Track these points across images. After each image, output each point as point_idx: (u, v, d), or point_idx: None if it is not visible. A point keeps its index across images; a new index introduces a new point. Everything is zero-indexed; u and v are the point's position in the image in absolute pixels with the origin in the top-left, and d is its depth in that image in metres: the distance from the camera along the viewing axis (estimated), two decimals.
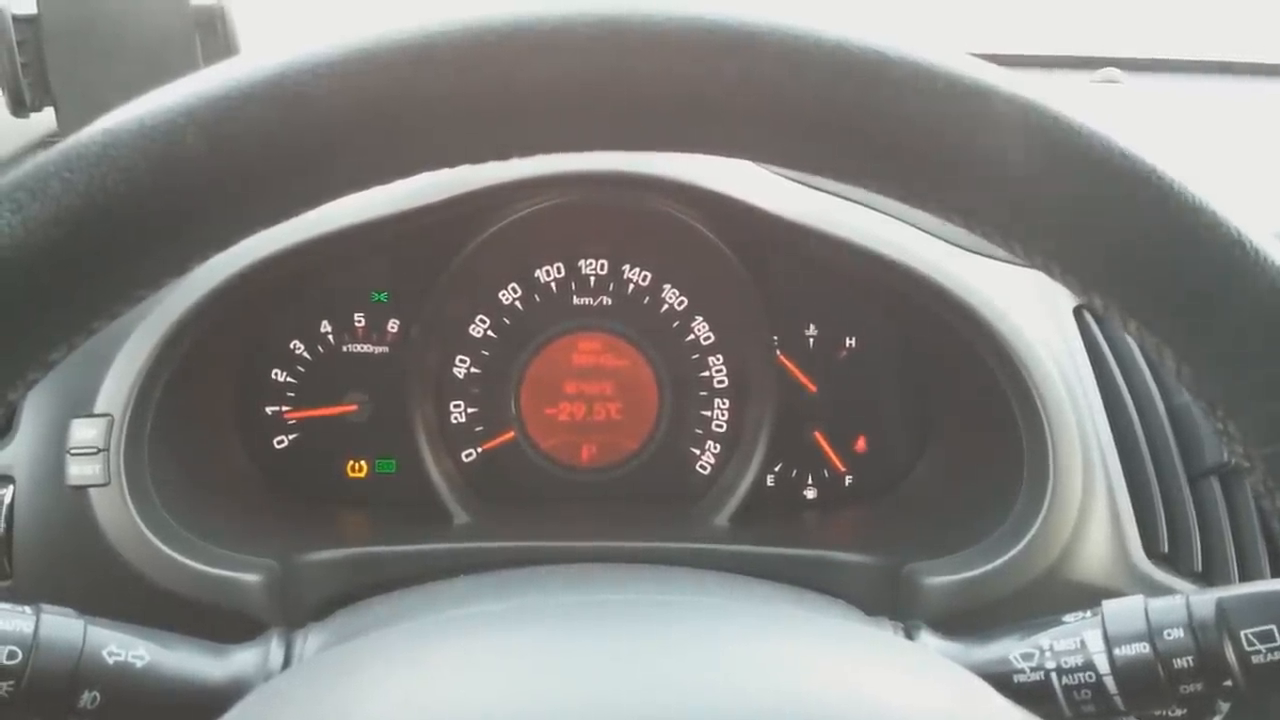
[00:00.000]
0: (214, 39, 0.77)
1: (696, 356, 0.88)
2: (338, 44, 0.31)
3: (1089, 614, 0.54)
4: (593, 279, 0.87)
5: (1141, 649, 0.51)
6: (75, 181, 0.30)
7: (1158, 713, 0.54)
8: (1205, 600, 0.52)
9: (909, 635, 0.60)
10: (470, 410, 0.88)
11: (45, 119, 0.80)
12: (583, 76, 0.31)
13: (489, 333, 0.87)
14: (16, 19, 0.76)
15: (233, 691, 0.52)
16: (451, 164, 0.33)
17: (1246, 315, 0.33)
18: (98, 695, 0.50)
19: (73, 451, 0.72)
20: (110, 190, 0.30)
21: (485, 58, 0.31)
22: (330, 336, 0.87)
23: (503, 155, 0.34)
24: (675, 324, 0.88)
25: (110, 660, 0.50)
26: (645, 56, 0.31)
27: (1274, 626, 0.49)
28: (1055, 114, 0.33)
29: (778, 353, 0.88)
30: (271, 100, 0.31)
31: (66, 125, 0.78)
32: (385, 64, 0.31)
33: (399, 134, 0.32)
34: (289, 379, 0.87)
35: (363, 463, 0.89)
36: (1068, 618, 0.54)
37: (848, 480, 0.90)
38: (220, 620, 0.69)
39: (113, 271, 0.31)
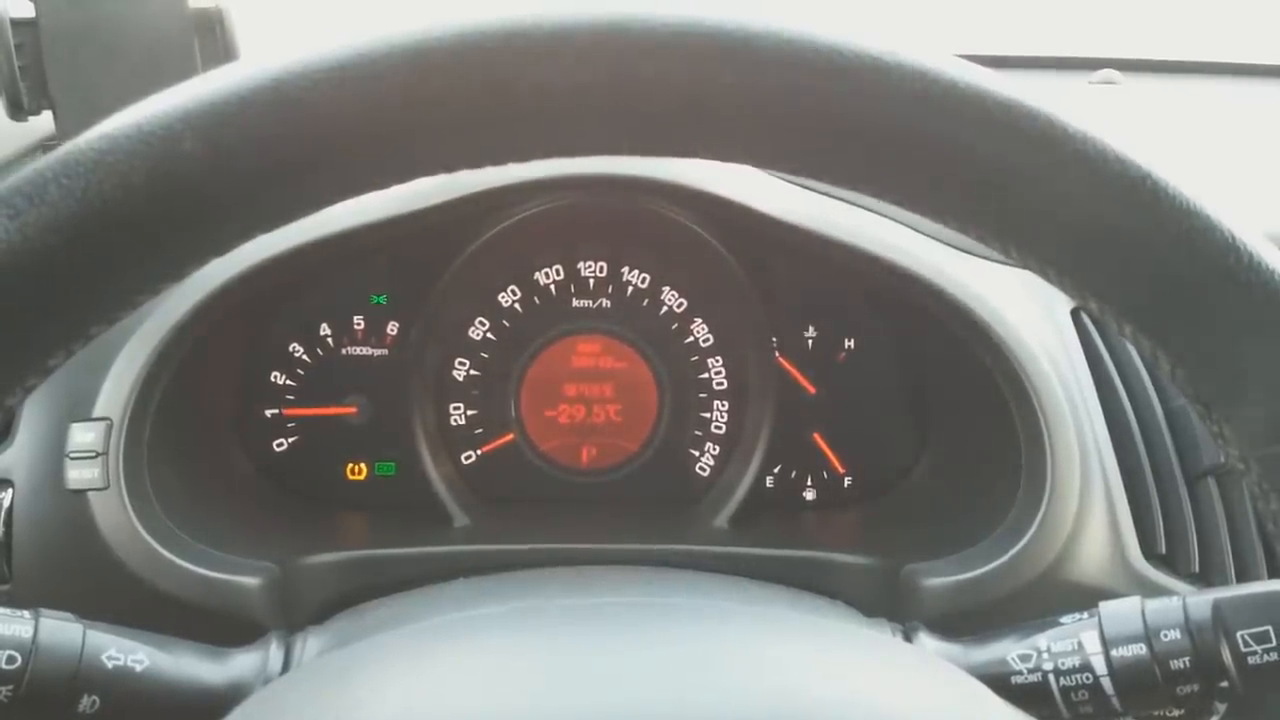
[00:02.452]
0: (213, 42, 0.77)
1: (695, 358, 0.89)
2: (336, 49, 0.31)
3: (1086, 615, 0.54)
4: (592, 281, 0.88)
5: (1138, 650, 0.51)
6: (73, 187, 0.30)
7: (1155, 713, 0.54)
8: (1202, 601, 0.52)
9: (907, 637, 0.60)
10: (470, 412, 0.88)
11: (43, 123, 0.80)
12: (581, 81, 0.31)
13: (488, 335, 0.87)
14: (14, 22, 0.76)
15: (232, 695, 0.52)
16: (449, 169, 0.33)
17: (1240, 318, 0.34)
18: (97, 699, 0.50)
19: (72, 455, 0.72)
20: (108, 196, 0.30)
21: (483, 62, 0.31)
22: (329, 339, 0.87)
23: (500, 160, 0.34)
24: (674, 326, 0.88)
25: (110, 664, 0.50)
26: (644, 61, 0.31)
27: (1270, 627, 0.49)
28: (1049, 117, 0.33)
29: (777, 354, 0.88)
30: (269, 105, 0.31)
31: (65, 129, 0.78)
32: (383, 69, 0.31)
33: (397, 139, 0.32)
34: (288, 381, 0.87)
35: (362, 465, 0.89)
36: (1065, 619, 0.54)
37: (846, 482, 0.90)
38: (219, 624, 0.69)
39: (110, 277, 0.31)
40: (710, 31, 0.31)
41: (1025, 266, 0.36)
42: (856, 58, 0.32)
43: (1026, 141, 0.33)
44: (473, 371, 0.88)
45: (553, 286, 0.87)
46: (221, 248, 0.33)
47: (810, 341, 0.89)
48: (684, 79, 0.31)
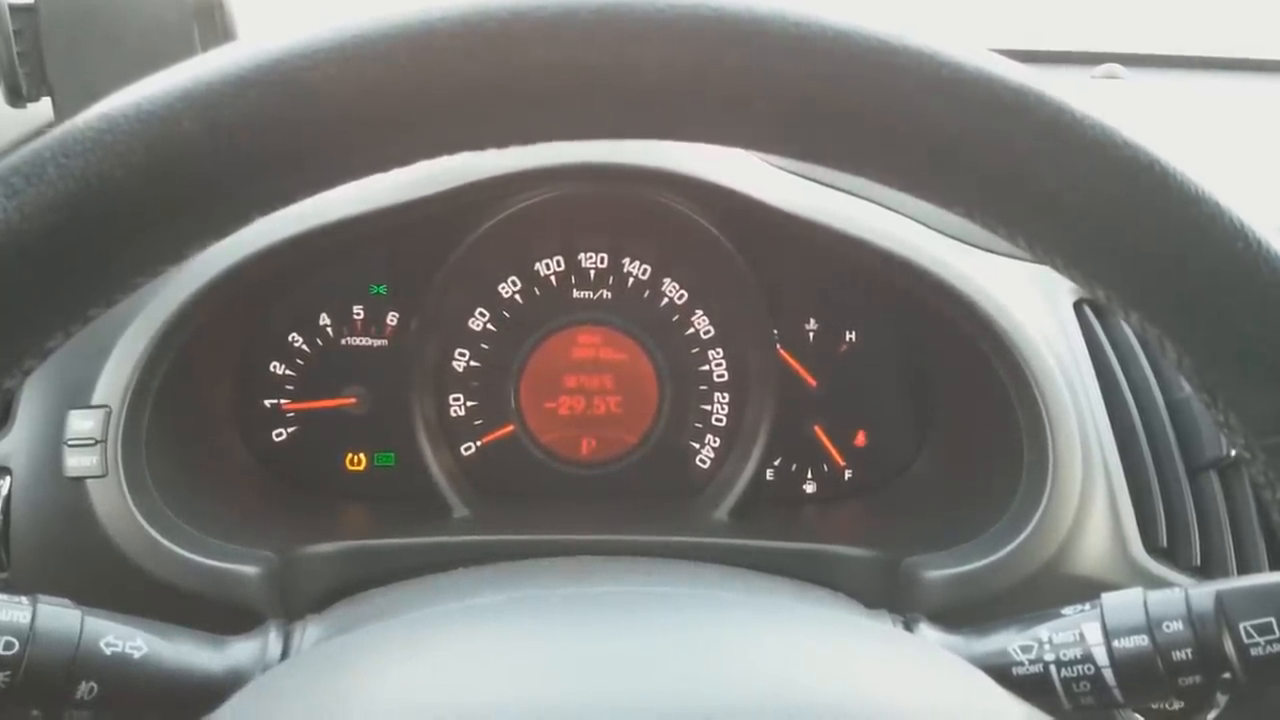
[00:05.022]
0: (211, 27, 0.77)
1: (696, 350, 0.88)
2: (336, 29, 0.31)
3: (1088, 606, 0.54)
4: (592, 272, 0.87)
5: (1140, 641, 0.51)
6: (71, 167, 0.30)
7: (1156, 705, 0.54)
8: (1204, 593, 0.51)
9: (908, 628, 0.60)
10: (469, 403, 0.88)
11: (42, 109, 0.79)
12: (584, 62, 0.31)
13: (488, 326, 0.87)
14: (13, 8, 0.75)
15: (230, 683, 0.52)
16: (450, 151, 0.33)
17: (1248, 307, 0.33)
18: (95, 686, 0.50)
19: (70, 443, 0.71)
20: (106, 176, 0.30)
21: (485, 43, 0.31)
22: (329, 329, 0.87)
23: (503, 143, 0.33)
24: (675, 317, 0.88)
25: (108, 651, 0.50)
26: (647, 42, 0.31)
27: (1273, 619, 0.49)
28: (1059, 104, 0.32)
29: (778, 347, 0.88)
30: (269, 86, 0.30)
31: (64, 115, 0.78)
32: (384, 50, 0.31)
33: (398, 121, 0.32)
34: (287, 372, 0.87)
35: (361, 456, 0.89)
36: (1066, 610, 0.54)
37: (847, 474, 0.90)
38: (218, 612, 0.69)
39: (109, 258, 0.31)
40: (716, 13, 0.31)
41: (1032, 255, 0.35)
42: (864, 41, 0.32)
43: (1035, 128, 0.32)
44: (472, 362, 0.88)
45: (553, 277, 0.87)
46: (221, 230, 0.33)
47: (811, 334, 0.89)
48: (689, 61, 0.31)
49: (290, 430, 0.88)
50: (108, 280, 0.32)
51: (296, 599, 0.74)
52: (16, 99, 0.78)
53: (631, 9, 0.31)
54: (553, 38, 0.31)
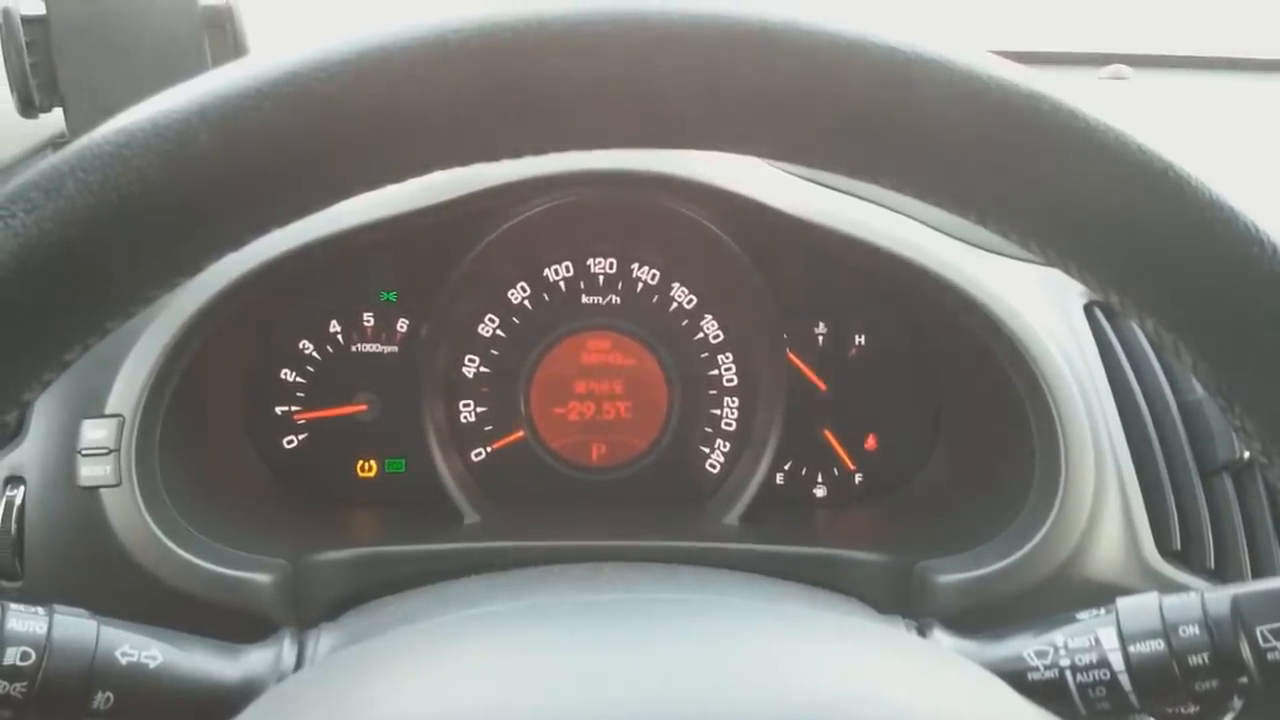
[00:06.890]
0: (222, 39, 0.77)
1: (706, 355, 0.88)
2: (351, 42, 0.31)
3: (1103, 611, 0.53)
4: (602, 278, 0.87)
5: (1156, 646, 0.51)
6: (89, 181, 0.30)
7: (1171, 709, 0.53)
8: (1220, 597, 0.51)
9: (922, 633, 0.60)
10: (480, 409, 0.88)
11: (54, 120, 0.80)
12: (597, 74, 0.31)
13: (498, 332, 0.87)
14: (25, 19, 0.76)
15: (245, 692, 0.52)
16: (465, 162, 0.33)
17: (1264, 311, 0.33)
18: (111, 696, 0.50)
19: (84, 452, 0.72)
20: (124, 190, 0.30)
21: (499, 55, 0.31)
22: (339, 336, 0.87)
23: (516, 153, 0.34)
24: (684, 322, 0.88)
25: (123, 661, 0.50)
26: (661, 53, 0.31)
27: None
28: (1071, 111, 0.32)
29: (787, 351, 0.87)
30: (285, 99, 0.31)
31: (75, 126, 0.78)
32: (399, 62, 0.31)
33: (412, 132, 0.32)
34: (298, 379, 0.87)
35: (372, 462, 0.89)
36: (1082, 615, 0.54)
37: (858, 478, 0.90)
38: (232, 620, 0.69)
39: (127, 271, 0.31)
40: (727, 23, 0.31)
41: (1046, 260, 0.35)
42: (877, 50, 0.32)
43: (1049, 133, 0.32)
44: (482, 369, 0.88)
45: (562, 283, 0.87)
46: (238, 241, 0.33)
47: (821, 338, 0.88)
48: (703, 71, 0.31)
49: (301, 438, 0.88)
50: (125, 292, 0.32)
51: (309, 606, 0.74)
52: (29, 109, 0.78)
53: (645, 19, 0.31)
54: (566, 50, 0.31)
